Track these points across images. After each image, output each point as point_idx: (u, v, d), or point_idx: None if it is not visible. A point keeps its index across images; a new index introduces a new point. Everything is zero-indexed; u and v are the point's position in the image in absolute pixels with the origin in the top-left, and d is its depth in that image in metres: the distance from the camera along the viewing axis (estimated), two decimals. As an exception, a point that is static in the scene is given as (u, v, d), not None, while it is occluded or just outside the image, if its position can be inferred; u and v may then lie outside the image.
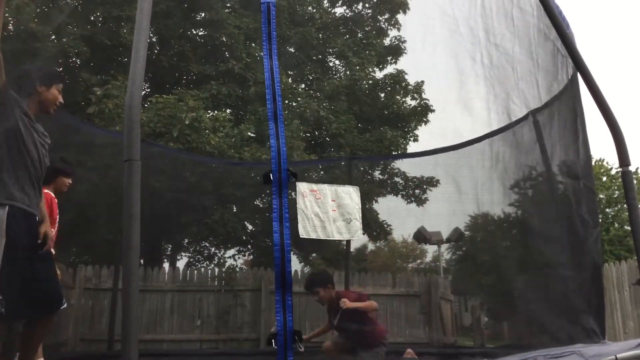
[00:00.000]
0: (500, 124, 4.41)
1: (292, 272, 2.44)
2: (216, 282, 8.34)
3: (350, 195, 4.83)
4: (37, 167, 2.61)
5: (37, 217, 2.64)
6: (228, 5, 10.85)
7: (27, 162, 2.55)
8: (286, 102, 9.37)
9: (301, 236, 4.36)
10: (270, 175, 2.30)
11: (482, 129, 4.85)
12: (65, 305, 2.85)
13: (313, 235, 4.49)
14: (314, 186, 4.69)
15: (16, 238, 2.39)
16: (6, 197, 2.42)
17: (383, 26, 12.08)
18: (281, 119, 2.42)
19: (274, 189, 2.29)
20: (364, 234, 7.53)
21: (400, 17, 11.73)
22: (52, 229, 3.44)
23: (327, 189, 4.74)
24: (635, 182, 3.57)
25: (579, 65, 3.22)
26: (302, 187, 4.52)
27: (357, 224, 4.77)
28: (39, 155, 2.62)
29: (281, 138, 2.36)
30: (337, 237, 4.61)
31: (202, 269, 9.39)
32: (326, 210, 4.57)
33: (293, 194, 4.91)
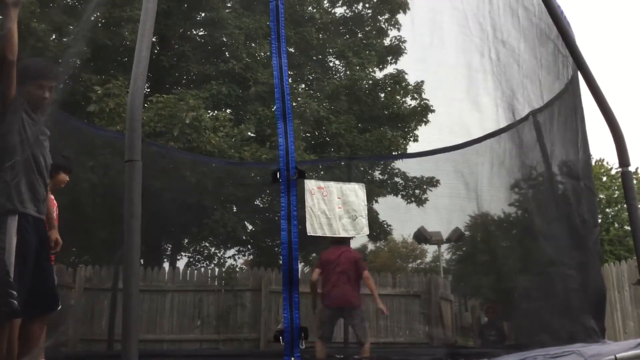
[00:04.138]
0: (507, 122, 4.41)
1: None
2: (216, 282, 8.33)
3: (356, 193, 4.81)
4: (43, 174, 2.66)
5: (44, 221, 2.73)
6: (228, 5, 10.84)
7: (35, 169, 2.60)
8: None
9: (308, 234, 4.33)
10: (278, 173, 2.28)
11: (490, 126, 4.84)
12: (59, 307, 2.90)
13: (319, 233, 4.47)
14: (321, 183, 4.66)
15: (29, 238, 2.48)
16: (19, 203, 2.49)
17: (383, 26, 12.07)
18: (290, 118, 2.40)
19: (282, 187, 2.28)
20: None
21: (400, 16, 11.72)
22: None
23: (333, 186, 4.71)
24: (635, 182, 3.58)
25: (580, 64, 3.22)
26: (310, 184, 4.48)
27: (363, 220, 4.76)
28: (45, 160, 2.68)
29: (290, 137, 2.35)
30: (343, 234, 4.58)
31: (202, 269, 9.38)
32: (332, 207, 4.55)
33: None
